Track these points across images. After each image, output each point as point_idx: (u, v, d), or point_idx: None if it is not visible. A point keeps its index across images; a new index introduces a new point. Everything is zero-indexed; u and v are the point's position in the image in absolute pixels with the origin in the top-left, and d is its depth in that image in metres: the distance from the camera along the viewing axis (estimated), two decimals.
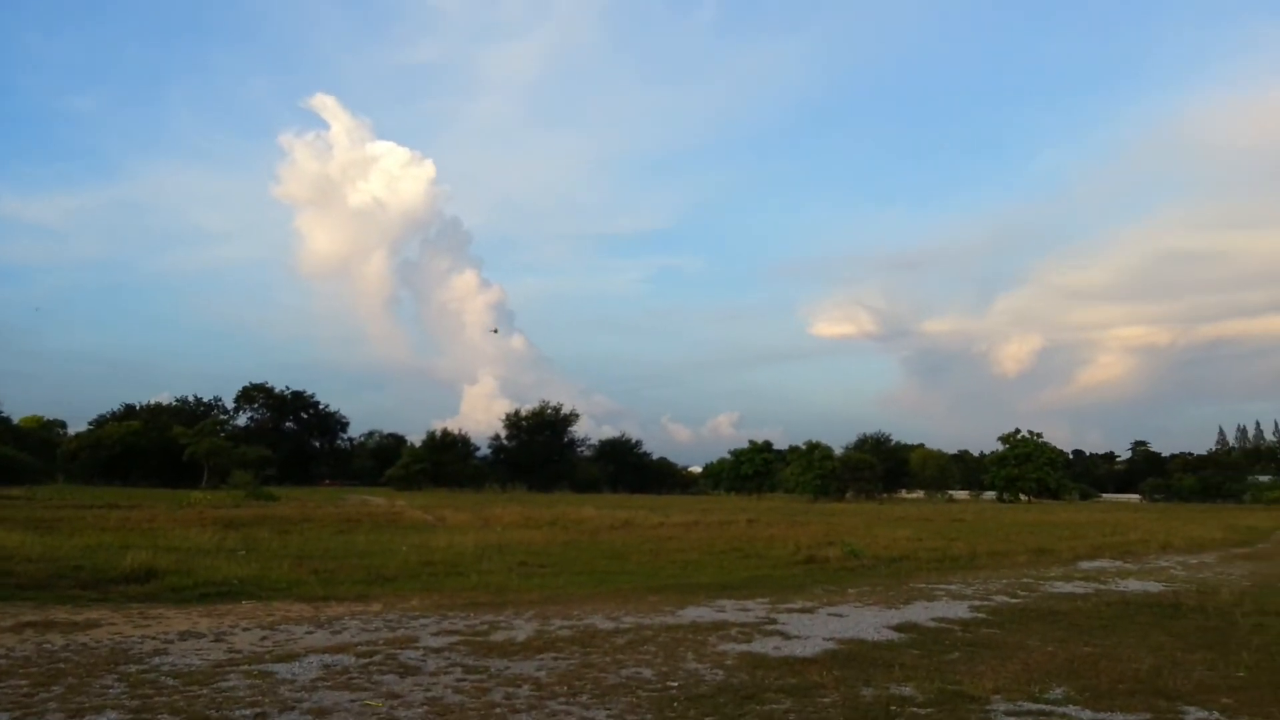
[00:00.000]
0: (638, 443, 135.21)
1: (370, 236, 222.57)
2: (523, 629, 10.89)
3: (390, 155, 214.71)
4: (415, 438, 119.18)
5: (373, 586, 15.03)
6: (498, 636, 10.35)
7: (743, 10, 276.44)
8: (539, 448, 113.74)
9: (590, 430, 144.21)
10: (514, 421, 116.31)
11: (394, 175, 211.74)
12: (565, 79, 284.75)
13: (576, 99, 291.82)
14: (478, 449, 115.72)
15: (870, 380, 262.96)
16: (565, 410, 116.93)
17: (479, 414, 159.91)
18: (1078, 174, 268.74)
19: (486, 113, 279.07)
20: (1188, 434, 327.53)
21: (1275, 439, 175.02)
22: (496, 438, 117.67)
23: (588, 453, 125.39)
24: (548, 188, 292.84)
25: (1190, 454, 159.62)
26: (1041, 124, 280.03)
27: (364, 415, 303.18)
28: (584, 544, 25.02)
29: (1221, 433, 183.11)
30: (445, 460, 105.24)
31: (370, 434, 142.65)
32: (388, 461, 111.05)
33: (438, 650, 9.52)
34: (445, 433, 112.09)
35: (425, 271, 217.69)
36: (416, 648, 9.64)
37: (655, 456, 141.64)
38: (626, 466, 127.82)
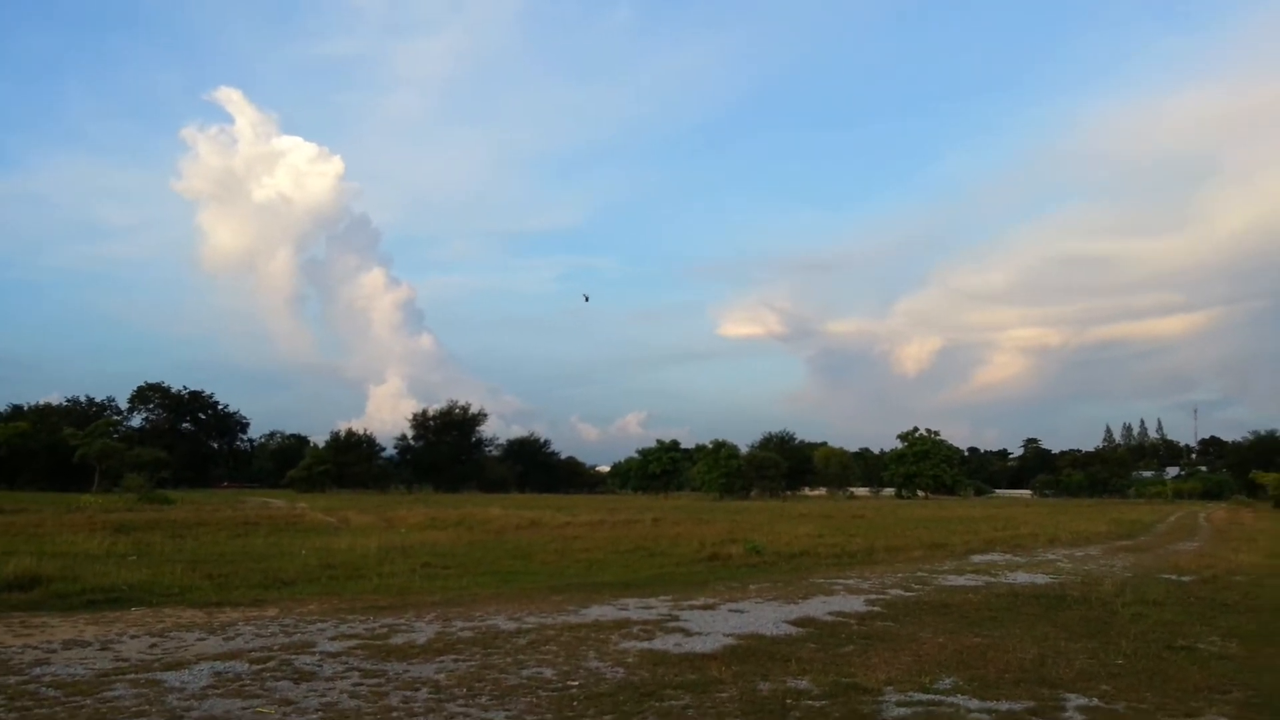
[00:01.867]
0: (546, 442, 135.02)
1: (275, 233, 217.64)
2: (424, 631, 10.77)
3: (297, 150, 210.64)
4: (319, 439, 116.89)
5: (269, 591, 14.68)
6: (397, 639, 10.23)
7: (658, 13, 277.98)
8: (446, 448, 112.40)
9: (499, 430, 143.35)
10: (421, 422, 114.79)
11: (301, 171, 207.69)
12: (478, 76, 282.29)
13: (490, 96, 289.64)
14: (383, 450, 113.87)
15: (776, 380, 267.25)
16: (474, 410, 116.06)
17: (385, 414, 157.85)
18: (978, 179, 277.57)
19: (398, 109, 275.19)
20: (1077, 432, 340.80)
21: (1158, 437, 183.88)
22: (403, 438, 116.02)
23: (496, 453, 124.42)
24: (459, 185, 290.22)
25: (1079, 451, 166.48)
26: (945, 130, 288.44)
27: (266, 416, 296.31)
28: (489, 544, 24.86)
29: (1108, 430, 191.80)
30: (349, 461, 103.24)
31: (272, 435, 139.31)
32: (289, 463, 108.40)
33: (335, 655, 9.35)
34: (350, 433, 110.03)
35: (332, 269, 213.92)
36: (313, 652, 9.46)
37: (564, 456, 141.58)
38: (535, 466, 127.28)
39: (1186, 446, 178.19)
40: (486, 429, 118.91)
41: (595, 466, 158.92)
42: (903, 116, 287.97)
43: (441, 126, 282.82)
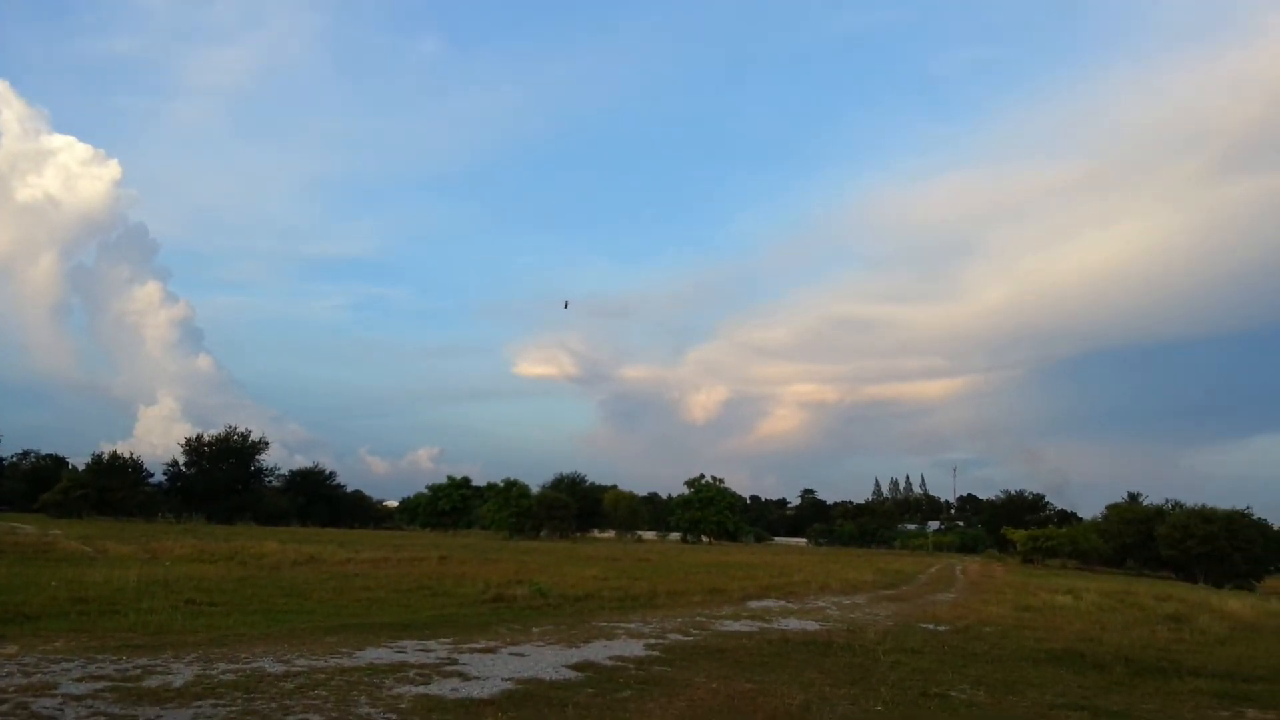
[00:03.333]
0: (331, 474, 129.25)
1: (39, 236, 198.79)
2: (182, 673, 10.12)
3: (69, 150, 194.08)
4: (79, 461, 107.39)
5: (10, 626, 13.41)
6: (151, 682, 9.56)
7: (466, 48, 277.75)
8: (222, 476, 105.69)
9: (282, 459, 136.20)
10: (195, 447, 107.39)
11: (72, 172, 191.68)
12: (275, 92, 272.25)
13: (286, 115, 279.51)
14: (151, 476, 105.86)
15: (569, 421, 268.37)
16: (254, 437, 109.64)
17: (156, 438, 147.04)
18: (768, 239, 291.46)
19: (185, 118, 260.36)
20: (849, 484, 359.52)
21: (921, 492, 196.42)
22: (174, 464, 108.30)
23: (276, 483, 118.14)
24: (249, 203, 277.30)
25: (850, 502, 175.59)
26: (739, 189, 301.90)
27: (19, 433, 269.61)
28: (262, 580, 23.61)
29: (877, 484, 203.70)
30: (112, 486, 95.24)
31: (25, 454, 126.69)
32: (44, 486, 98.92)
33: (79, 697, 8.66)
34: (114, 456, 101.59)
35: (102, 279, 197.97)
36: (55, 695, 8.72)
37: (350, 489, 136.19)
38: (318, 499, 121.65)
39: (947, 502, 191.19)
40: (267, 458, 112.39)
41: (383, 501, 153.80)
42: (697, 173, 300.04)
43: (232, 141, 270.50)
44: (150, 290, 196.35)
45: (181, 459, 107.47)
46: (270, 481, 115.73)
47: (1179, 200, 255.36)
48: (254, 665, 10.82)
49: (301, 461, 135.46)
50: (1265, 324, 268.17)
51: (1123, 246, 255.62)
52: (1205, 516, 73.82)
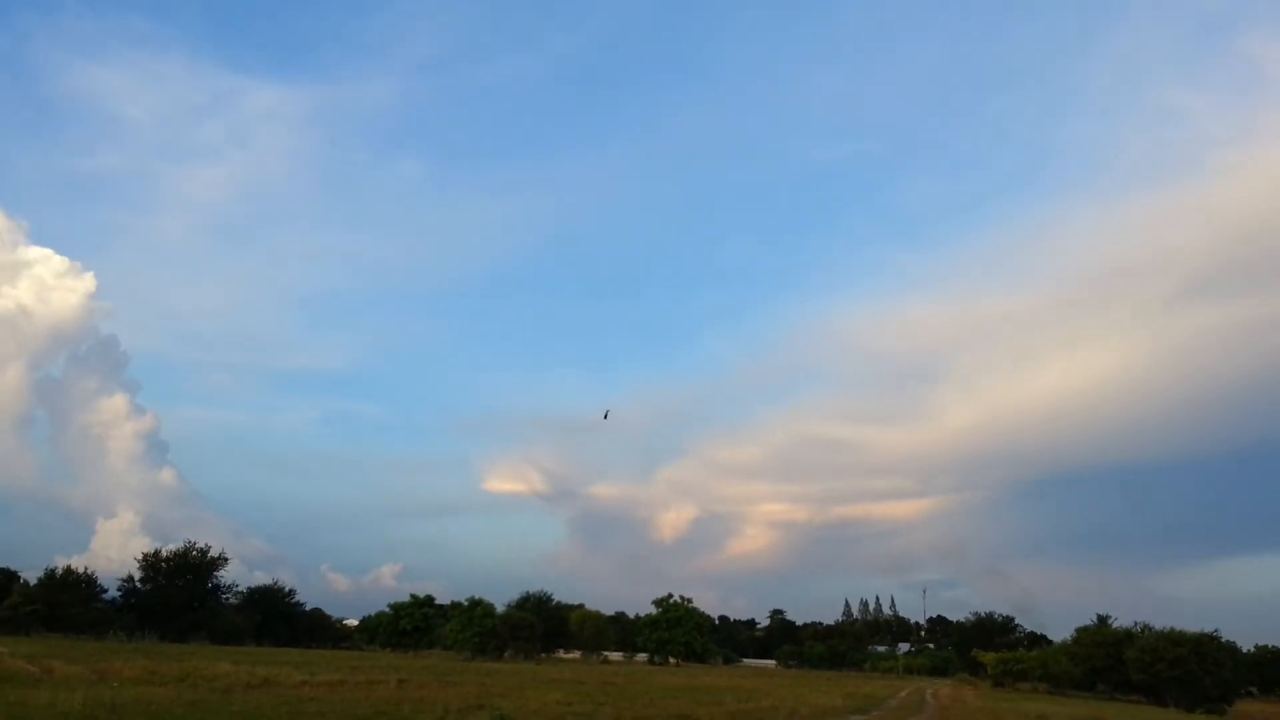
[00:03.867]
0: (291, 591, 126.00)
1: (7, 347, 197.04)
2: None
3: (45, 262, 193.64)
4: (32, 574, 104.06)
5: None
6: None
7: (446, 172, 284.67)
8: (177, 593, 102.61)
9: (241, 576, 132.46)
10: (152, 563, 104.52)
11: (47, 284, 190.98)
12: (252, 208, 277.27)
13: (262, 230, 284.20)
14: (105, 591, 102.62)
15: (537, 539, 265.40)
16: (213, 552, 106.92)
17: (113, 552, 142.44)
18: (738, 360, 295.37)
19: (163, 232, 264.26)
20: (819, 604, 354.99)
21: (891, 613, 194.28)
22: (129, 580, 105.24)
23: (234, 600, 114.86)
24: (221, 317, 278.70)
25: (820, 624, 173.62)
26: (710, 313, 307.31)
27: None
28: (213, 705, 22.93)
29: (847, 605, 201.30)
30: (64, 602, 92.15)
31: None
32: None
33: None
34: (69, 571, 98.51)
35: (68, 391, 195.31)
36: None
37: (310, 607, 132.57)
38: (276, 617, 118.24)
39: (917, 623, 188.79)
40: (226, 574, 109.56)
41: (343, 620, 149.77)
42: (665, 295, 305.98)
43: (208, 255, 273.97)
44: (117, 402, 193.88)
45: (138, 574, 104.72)
46: (228, 599, 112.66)
47: (1140, 327, 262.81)
48: None
49: (261, 578, 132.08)
50: (1229, 448, 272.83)
51: (1086, 371, 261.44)
52: (1174, 639, 73.45)
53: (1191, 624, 79.46)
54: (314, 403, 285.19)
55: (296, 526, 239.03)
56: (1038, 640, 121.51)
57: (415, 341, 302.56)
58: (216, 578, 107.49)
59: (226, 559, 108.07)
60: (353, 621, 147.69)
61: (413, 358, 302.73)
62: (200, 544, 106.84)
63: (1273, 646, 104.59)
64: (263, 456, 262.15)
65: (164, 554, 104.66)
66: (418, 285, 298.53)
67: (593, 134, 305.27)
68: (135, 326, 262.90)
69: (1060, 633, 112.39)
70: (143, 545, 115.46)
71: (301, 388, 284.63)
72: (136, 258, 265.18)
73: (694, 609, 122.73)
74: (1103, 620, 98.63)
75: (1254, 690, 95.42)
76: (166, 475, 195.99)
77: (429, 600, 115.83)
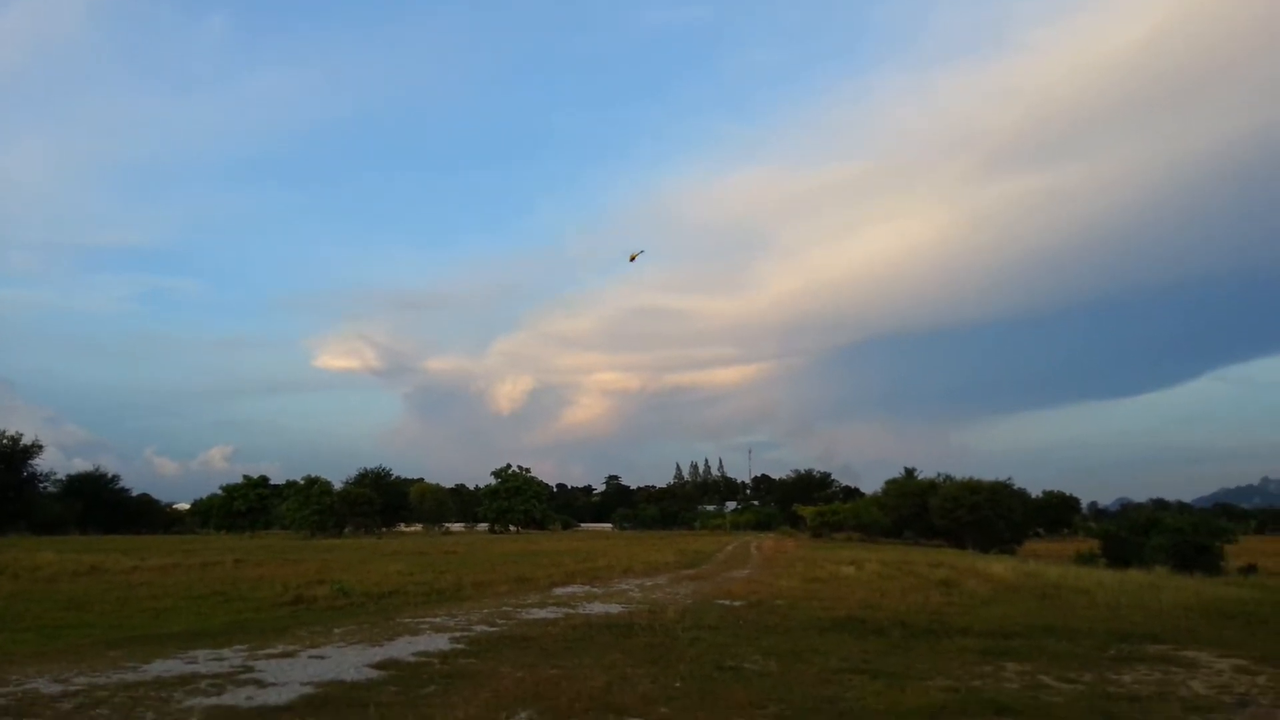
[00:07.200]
0: (114, 477, 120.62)
1: None
2: None
3: None
4: None
5: None
6: None
7: (258, 30, 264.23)
8: None
9: (59, 464, 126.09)
10: None
11: None
12: (43, 71, 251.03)
13: (56, 95, 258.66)
14: None
15: (373, 415, 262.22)
16: (26, 440, 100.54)
17: None
18: (572, 233, 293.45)
19: None
20: (652, 468, 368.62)
21: (719, 474, 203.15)
22: None
23: (53, 489, 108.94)
24: (17, 189, 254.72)
25: (653, 487, 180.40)
26: (542, 184, 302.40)
27: None
28: (35, 594, 22.01)
29: (678, 468, 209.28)
30: None
31: None
32: None
33: None
34: None
35: None
36: None
37: (136, 493, 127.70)
38: (100, 504, 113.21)
39: (743, 483, 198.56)
40: (42, 462, 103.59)
41: (173, 505, 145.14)
42: (499, 166, 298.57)
43: (1, 122, 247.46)
44: None
45: None
46: (46, 488, 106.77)
47: (949, 198, 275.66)
48: (26, 687, 10.13)
49: (81, 465, 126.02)
50: (1025, 311, 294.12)
51: (901, 240, 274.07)
52: (972, 488, 79.86)
53: (988, 474, 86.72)
54: (128, 280, 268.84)
55: (116, 411, 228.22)
56: (852, 494, 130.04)
57: (235, 214, 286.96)
58: (31, 466, 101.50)
59: (41, 446, 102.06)
60: (184, 506, 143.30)
61: (233, 231, 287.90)
62: (10, 432, 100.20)
63: (1058, 492, 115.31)
64: (74, 339, 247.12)
65: None
66: (235, 153, 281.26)
67: None
68: None
69: (872, 486, 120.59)
70: None
71: (113, 265, 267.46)
72: None
73: (532, 478, 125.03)
74: (909, 473, 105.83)
75: (1041, 531, 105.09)
76: None
77: (263, 481, 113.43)
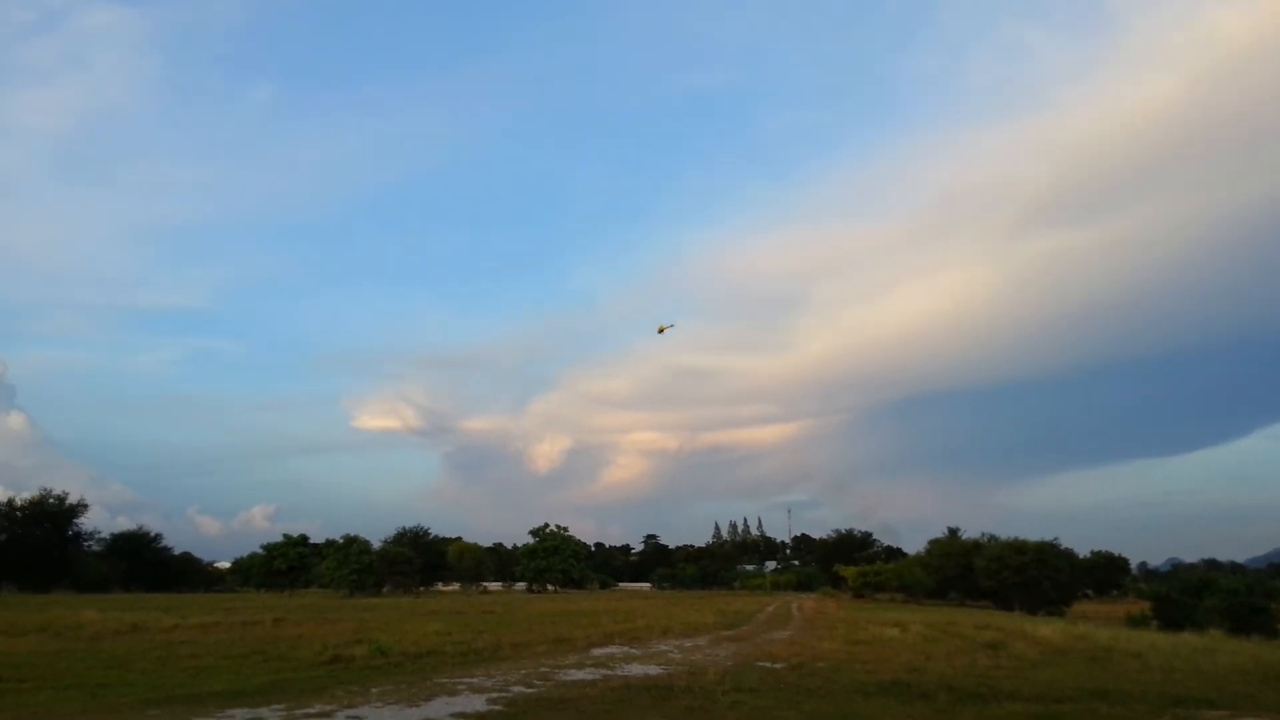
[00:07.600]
0: (157, 536, 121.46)
1: None
2: None
3: None
4: None
5: None
6: None
7: (301, 98, 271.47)
8: (35, 542, 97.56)
9: (103, 523, 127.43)
10: (5, 512, 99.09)
11: None
12: (96, 136, 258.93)
13: (109, 160, 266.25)
14: None
15: (412, 474, 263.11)
16: (72, 500, 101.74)
17: None
18: (607, 293, 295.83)
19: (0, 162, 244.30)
20: (690, 528, 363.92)
21: (759, 533, 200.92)
22: None
23: (97, 548, 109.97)
24: (68, 251, 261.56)
25: (691, 546, 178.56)
26: (576, 244, 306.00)
27: None
28: (79, 653, 22.15)
29: (716, 527, 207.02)
30: None
31: None
32: None
33: None
34: None
35: None
36: None
37: (178, 552, 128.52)
38: (143, 563, 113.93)
39: (783, 542, 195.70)
40: (87, 521, 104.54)
41: (214, 563, 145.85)
42: (536, 227, 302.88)
43: (50, 185, 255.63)
44: None
45: None
46: (90, 546, 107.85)
47: (985, 254, 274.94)
48: None
49: (125, 524, 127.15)
50: (1067, 370, 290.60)
51: (937, 297, 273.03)
52: (1018, 548, 78.18)
53: (1034, 533, 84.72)
54: (171, 342, 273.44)
55: (160, 471, 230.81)
56: (894, 554, 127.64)
57: (275, 275, 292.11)
58: (77, 525, 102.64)
59: (86, 505, 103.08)
60: (225, 564, 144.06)
61: (273, 293, 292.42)
62: (57, 491, 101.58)
63: (1105, 552, 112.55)
64: (119, 399, 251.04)
65: (17, 503, 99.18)
66: (275, 217, 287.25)
67: (459, 59, 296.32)
68: None
69: (915, 546, 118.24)
70: None
71: (157, 327, 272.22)
72: None
73: (570, 537, 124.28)
74: (953, 532, 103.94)
75: (1089, 592, 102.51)
76: (15, 420, 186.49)
77: (303, 540, 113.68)
